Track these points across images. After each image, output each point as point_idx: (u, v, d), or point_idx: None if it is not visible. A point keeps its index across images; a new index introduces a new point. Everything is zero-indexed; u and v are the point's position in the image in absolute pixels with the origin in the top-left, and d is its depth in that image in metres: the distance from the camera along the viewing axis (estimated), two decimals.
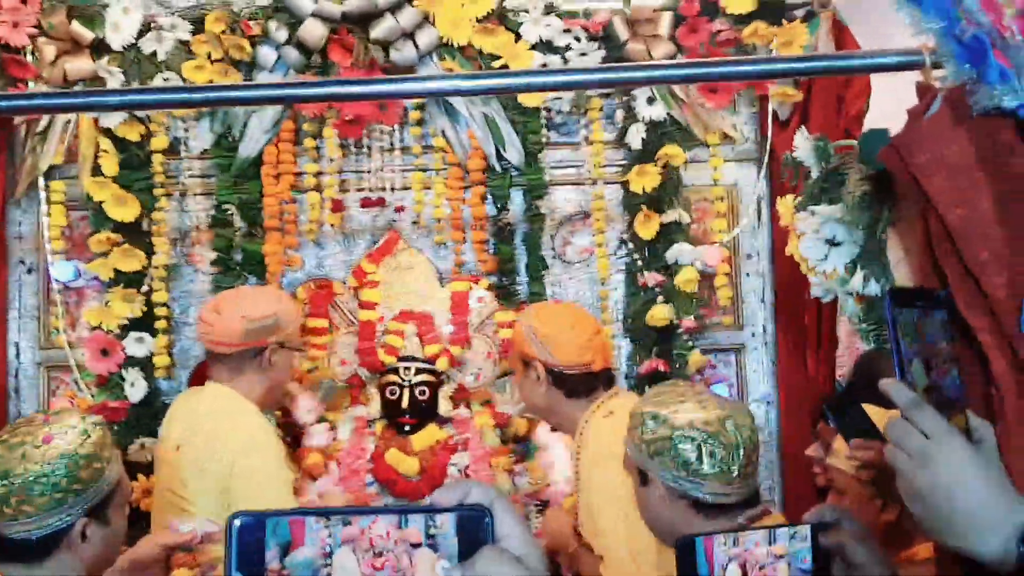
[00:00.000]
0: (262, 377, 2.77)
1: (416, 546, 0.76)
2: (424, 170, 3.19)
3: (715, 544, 1.24)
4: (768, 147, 3.13)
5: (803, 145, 1.84)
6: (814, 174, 1.83)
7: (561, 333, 2.68)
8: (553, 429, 3.06)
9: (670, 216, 3.10)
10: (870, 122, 2.59)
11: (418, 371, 3.25)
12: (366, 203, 3.21)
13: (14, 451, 1.79)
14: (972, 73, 1.33)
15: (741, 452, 1.84)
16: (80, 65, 3.04)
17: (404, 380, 3.25)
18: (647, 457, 1.87)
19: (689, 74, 2.09)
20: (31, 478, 1.77)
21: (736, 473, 1.84)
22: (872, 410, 2.04)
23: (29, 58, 3.04)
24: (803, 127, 1.90)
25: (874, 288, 1.70)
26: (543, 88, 2.59)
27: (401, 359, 3.25)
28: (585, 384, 2.66)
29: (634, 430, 1.92)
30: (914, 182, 1.26)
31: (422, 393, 3.25)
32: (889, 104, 2.14)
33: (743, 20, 3.02)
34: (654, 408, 1.91)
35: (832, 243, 1.78)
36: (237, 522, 0.72)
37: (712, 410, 1.89)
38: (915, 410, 1.08)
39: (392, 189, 3.20)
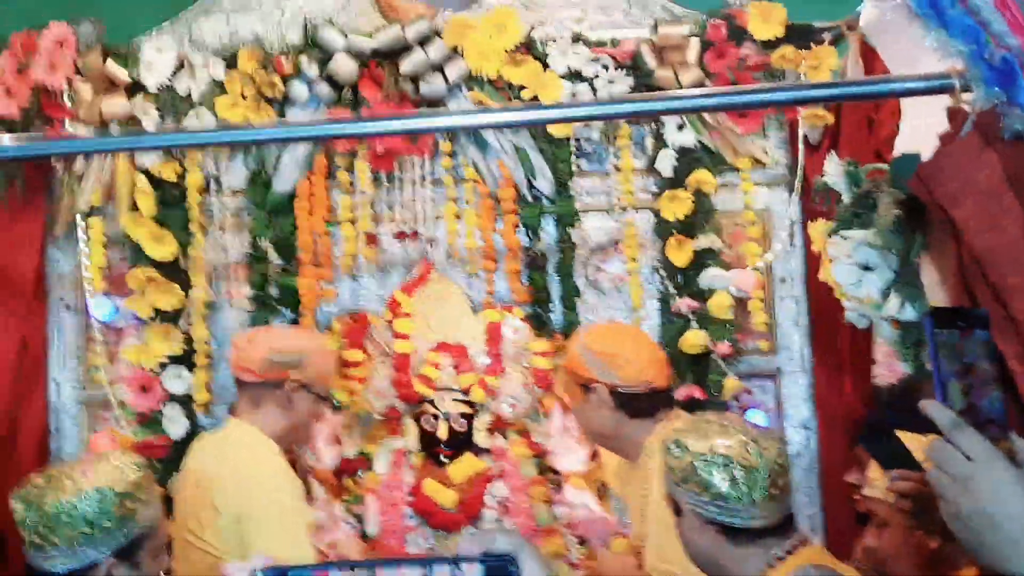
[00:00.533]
0: (282, 414, 2.76)
1: None
2: (456, 201, 3.21)
3: None
4: (799, 170, 3.12)
5: (834, 170, 1.84)
6: (845, 199, 1.83)
7: (622, 351, 2.67)
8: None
9: (702, 242, 3.09)
10: (901, 142, 2.57)
11: (454, 401, 3.26)
12: (400, 235, 3.23)
13: (53, 482, 1.81)
14: (1002, 96, 1.33)
15: (765, 475, 1.83)
16: (116, 105, 3.10)
17: (441, 411, 3.26)
18: (675, 485, 1.89)
19: (720, 103, 2.10)
20: (61, 509, 1.77)
21: (760, 496, 1.83)
22: (908, 438, 2.02)
23: (66, 99, 3.10)
24: (833, 151, 1.90)
25: (910, 313, 1.69)
26: (572, 119, 2.60)
27: (437, 390, 3.26)
28: (649, 403, 2.65)
29: (664, 461, 1.93)
30: (941, 211, 1.25)
31: (459, 424, 3.25)
32: (921, 124, 2.13)
33: (771, 45, 3.02)
34: (678, 436, 1.92)
35: (865, 268, 1.77)
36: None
37: (734, 435, 1.89)
38: (957, 432, 1.07)
39: (424, 220, 3.22)
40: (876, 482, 2.26)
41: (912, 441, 2.25)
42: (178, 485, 2.77)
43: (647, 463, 2.56)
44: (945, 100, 1.64)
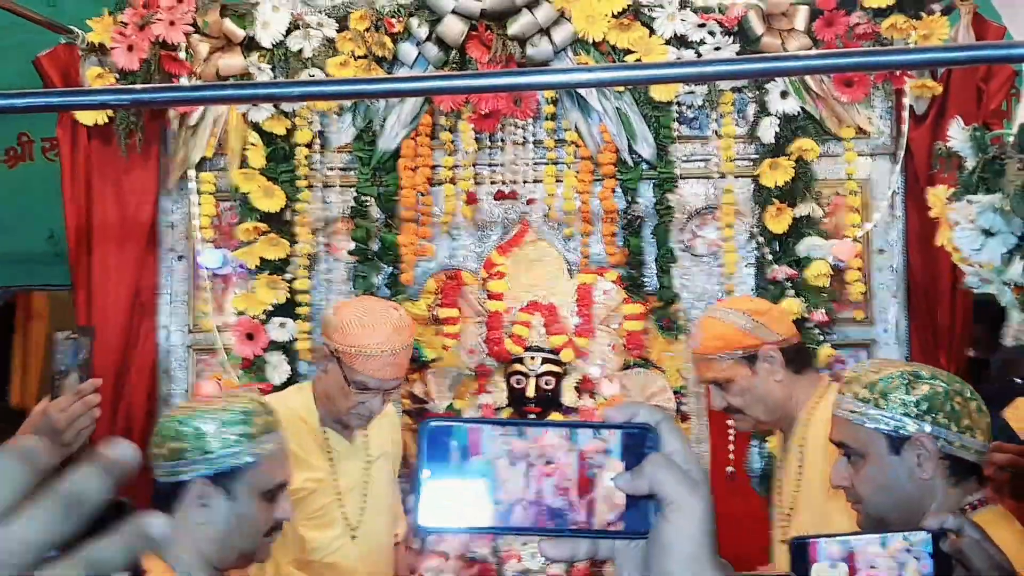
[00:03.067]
0: (320, 377, 2.76)
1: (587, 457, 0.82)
2: (556, 163, 3.25)
3: (822, 545, 1.26)
4: (904, 141, 3.10)
5: (959, 135, 1.84)
6: (970, 163, 1.84)
7: (774, 308, 2.70)
8: (766, 433, 2.99)
9: (802, 210, 3.10)
10: (1020, 111, 2.55)
11: (543, 361, 3.33)
12: (499, 196, 3.28)
13: (185, 406, 1.96)
14: None
15: (985, 409, 1.84)
16: (231, 62, 3.19)
17: (530, 370, 3.32)
18: (914, 417, 1.81)
19: (828, 64, 2.08)
20: (170, 425, 1.89)
21: (988, 430, 1.83)
22: (1013, 411, 2.03)
23: (183, 55, 3.20)
24: (956, 118, 1.90)
25: None
26: (674, 79, 2.61)
27: (527, 349, 3.33)
28: (807, 356, 2.69)
29: (883, 394, 1.84)
30: None
31: (547, 383, 3.32)
32: None
33: (882, 13, 3.01)
34: (907, 369, 1.87)
35: (988, 233, 1.78)
36: (430, 425, 0.81)
37: (943, 372, 1.88)
38: None
39: (524, 182, 3.27)
40: None
41: (1016, 412, 2.27)
42: None
43: (804, 432, 2.54)
44: None
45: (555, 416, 3.29)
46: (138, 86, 2.36)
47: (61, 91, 2.70)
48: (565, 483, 0.80)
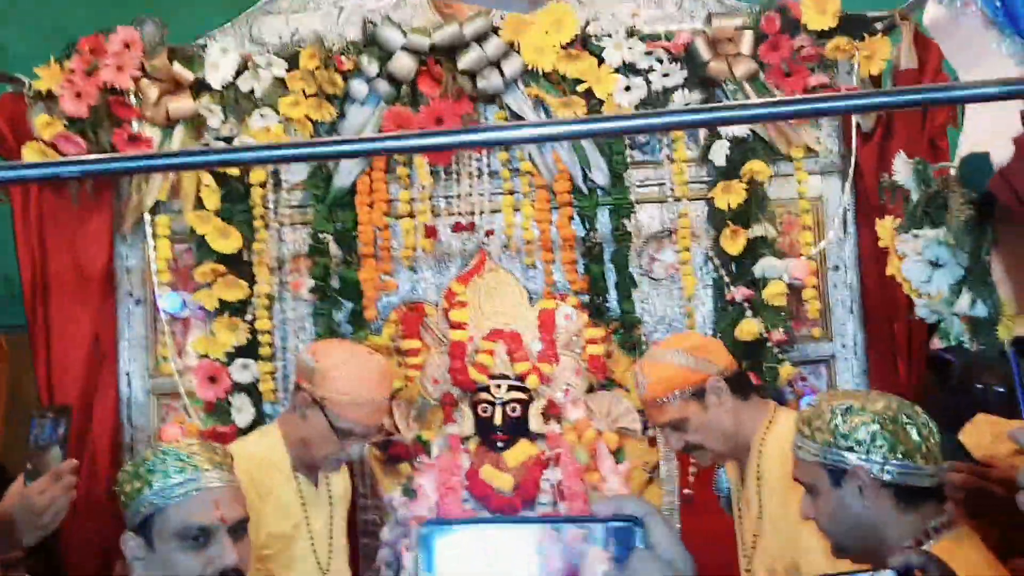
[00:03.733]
0: (295, 423, 2.70)
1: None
2: (512, 193, 3.27)
3: None
4: (853, 159, 3.15)
5: (903, 168, 1.88)
6: (914, 197, 1.87)
7: (709, 341, 2.75)
8: (716, 465, 2.95)
9: (757, 231, 3.14)
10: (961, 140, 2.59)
11: (509, 388, 3.33)
12: (458, 228, 3.29)
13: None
14: None
15: (935, 435, 1.85)
16: (181, 104, 3.18)
17: (496, 398, 3.32)
18: (846, 450, 1.83)
19: (783, 111, 2.10)
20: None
21: (937, 457, 1.84)
22: (983, 420, 2.07)
23: (133, 99, 3.18)
24: (900, 151, 1.94)
25: (981, 309, 1.73)
26: (633, 131, 2.64)
27: (492, 377, 3.33)
28: (748, 382, 2.73)
29: (820, 428, 1.88)
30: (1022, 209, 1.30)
31: (513, 410, 3.31)
32: (981, 121, 2.17)
33: (825, 35, 3.06)
34: (842, 402, 1.89)
35: (935, 265, 1.81)
36: (424, 530, 0.83)
37: (889, 397, 1.90)
38: None
39: (482, 213, 3.28)
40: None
41: (985, 425, 2.29)
42: None
43: (758, 462, 2.56)
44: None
45: (524, 442, 3.29)
46: (89, 156, 2.35)
47: (9, 165, 2.67)
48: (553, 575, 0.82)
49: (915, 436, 1.82)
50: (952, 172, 1.84)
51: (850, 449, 1.83)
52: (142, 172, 2.89)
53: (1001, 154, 1.69)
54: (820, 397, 1.99)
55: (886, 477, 1.81)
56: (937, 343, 3.12)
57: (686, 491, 3.20)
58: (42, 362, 3.25)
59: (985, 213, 1.74)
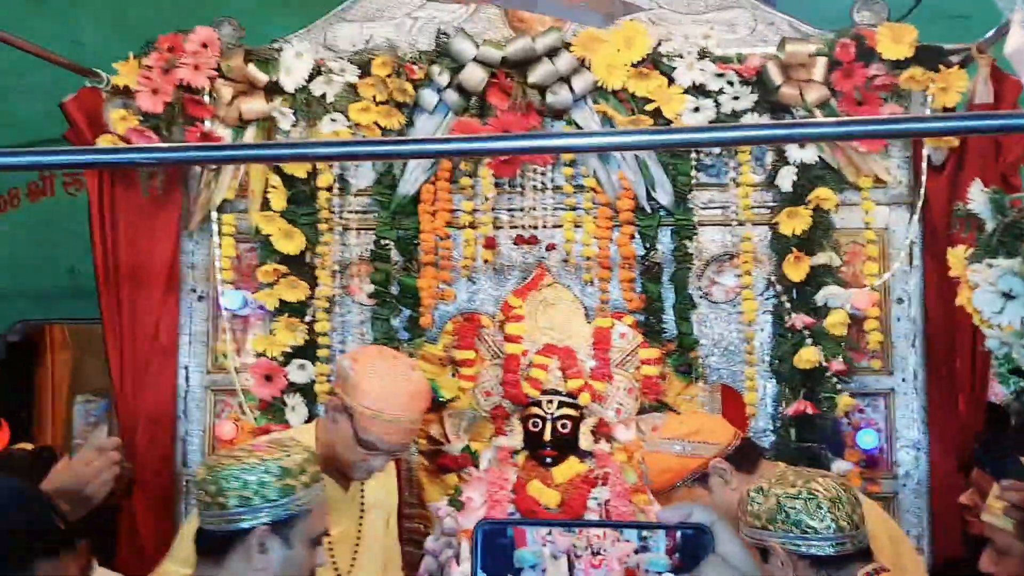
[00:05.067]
0: (326, 426, 2.70)
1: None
2: (575, 209, 3.27)
3: None
4: (922, 191, 3.11)
5: (978, 197, 1.85)
6: (989, 226, 1.85)
7: (706, 422, 2.80)
8: None
9: (820, 258, 3.10)
10: None
11: (560, 404, 3.32)
12: (519, 240, 3.30)
13: (229, 454, 2.00)
14: None
15: (844, 503, 1.97)
16: (254, 105, 3.23)
17: (547, 413, 3.31)
18: (761, 529, 1.99)
19: (851, 131, 2.09)
20: (230, 474, 1.93)
21: (846, 524, 1.95)
22: None
23: (207, 99, 3.24)
24: (976, 180, 1.91)
25: None
26: (701, 144, 2.63)
27: (544, 392, 3.32)
28: (756, 451, 2.75)
29: (744, 511, 2.05)
30: None
31: (563, 426, 3.30)
32: None
33: (899, 65, 3.02)
34: (755, 486, 2.05)
35: (1008, 296, 1.78)
36: (483, 528, 0.83)
37: (806, 476, 2.03)
38: None
39: (543, 227, 3.29)
40: (995, 507, 2.26)
41: None
42: None
43: None
44: None
45: (573, 459, 3.28)
46: (163, 144, 2.38)
47: (86, 149, 2.72)
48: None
49: (820, 511, 1.94)
50: None
51: (763, 528, 1.99)
52: (213, 163, 2.92)
53: None
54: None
55: (799, 551, 1.95)
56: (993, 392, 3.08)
57: None
58: (114, 353, 3.32)
59: None
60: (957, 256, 1.92)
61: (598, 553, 0.73)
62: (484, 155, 2.91)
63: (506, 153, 2.71)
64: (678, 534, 0.84)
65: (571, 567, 0.74)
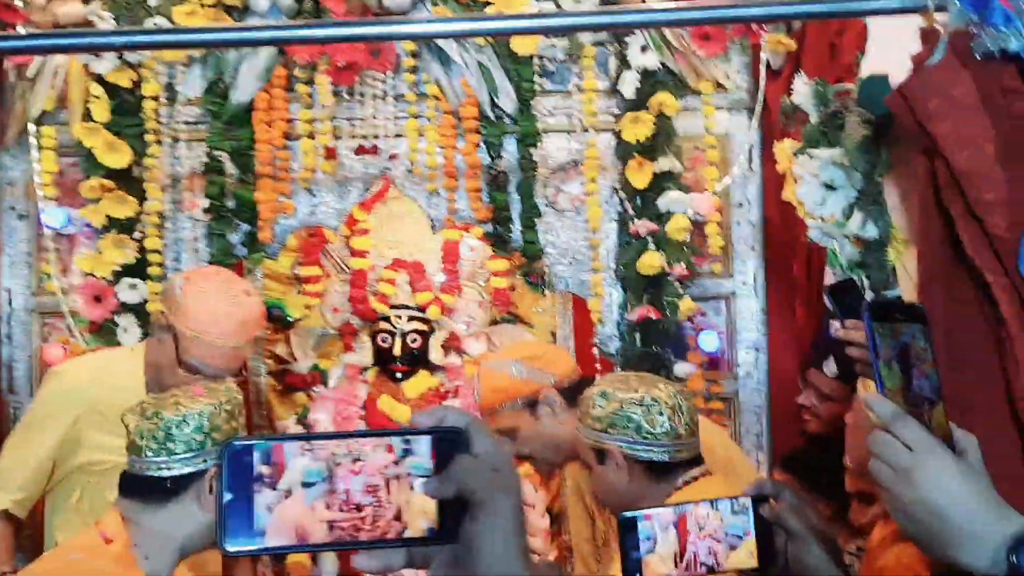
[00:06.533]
0: (153, 345, 2.66)
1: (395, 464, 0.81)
2: (417, 117, 3.19)
3: (655, 516, 1.29)
4: (761, 96, 3.14)
5: (802, 89, 1.86)
6: (813, 119, 1.86)
7: (548, 350, 2.80)
8: None
9: (663, 165, 3.11)
10: (864, 68, 2.60)
11: (410, 319, 3.27)
12: (360, 151, 3.21)
13: (168, 399, 1.95)
14: (975, 17, 1.35)
15: (683, 411, 2.00)
16: (71, 9, 3.02)
17: (396, 328, 3.27)
18: (601, 432, 2.01)
19: (684, 18, 2.09)
20: (178, 419, 1.90)
21: (683, 431, 2.00)
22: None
23: (19, 2, 3.01)
24: (801, 72, 1.92)
25: (872, 230, 1.73)
26: (537, 31, 2.58)
27: (393, 307, 3.27)
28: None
29: (585, 413, 2.06)
30: (920, 128, 1.28)
31: (413, 341, 3.27)
32: (883, 49, 2.17)
33: None
34: (600, 388, 2.06)
35: (830, 187, 1.80)
36: (230, 448, 0.77)
37: (649, 382, 2.05)
38: (898, 423, 1.07)
39: (385, 137, 3.20)
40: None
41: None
42: None
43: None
44: (911, 27, 1.67)
45: (424, 373, 3.25)
46: None
47: None
48: (373, 481, 0.79)
49: (661, 418, 1.98)
50: (852, 95, 1.83)
51: (604, 431, 2.01)
52: (27, 53, 2.73)
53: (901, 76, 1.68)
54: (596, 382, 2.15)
55: (636, 455, 1.98)
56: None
57: None
58: None
59: (881, 134, 1.73)
60: (783, 150, 1.94)
61: (358, 459, 0.71)
62: (318, 43, 2.77)
63: (344, 40, 2.60)
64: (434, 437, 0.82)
65: (330, 475, 0.72)
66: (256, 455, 0.79)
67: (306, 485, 0.79)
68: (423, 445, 0.81)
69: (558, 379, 2.59)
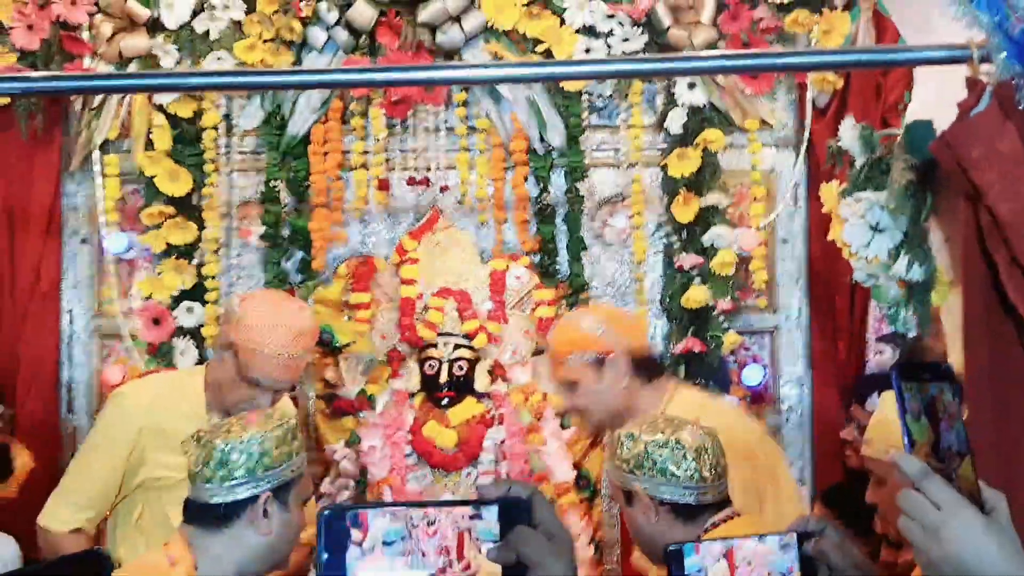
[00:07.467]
0: (214, 364, 2.73)
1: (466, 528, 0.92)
2: (468, 150, 3.26)
3: (703, 549, 1.31)
4: (806, 134, 3.18)
5: (848, 133, 1.89)
6: (859, 162, 1.89)
7: (629, 318, 2.77)
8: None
9: (708, 200, 3.16)
10: (910, 111, 2.64)
11: (456, 347, 3.32)
12: (411, 182, 3.28)
13: (221, 428, 2.02)
14: (1021, 68, 1.39)
15: (708, 454, 2.01)
16: (135, 43, 3.13)
17: (442, 355, 3.32)
18: (628, 474, 2.04)
19: (733, 65, 2.14)
20: (230, 447, 1.97)
21: (708, 474, 2.01)
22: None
23: (85, 35, 3.13)
24: (849, 116, 1.96)
25: (917, 273, 1.76)
26: (589, 76, 2.64)
27: (440, 335, 3.33)
28: (657, 367, 2.73)
29: (613, 453, 2.09)
30: (964, 175, 1.32)
31: (460, 368, 3.31)
32: (928, 93, 2.20)
33: (785, 8, 3.07)
34: (627, 430, 2.08)
35: (875, 229, 1.83)
36: (325, 514, 0.91)
37: (676, 425, 2.07)
38: (926, 481, 1.09)
39: (436, 168, 3.28)
40: (873, 440, 2.34)
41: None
42: None
43: None
44: (956, 71, 1.71)
45: (469, 400, 3.30)
46: (34, 74, 2.29)
47: None
48: (446, 543, 0.88)
49: (686, 461, 1.99)
50: (898, 139, 1.86)
51: (631, 472, 2.03)
52: (91, 92, 2.83)
53: (946, 122, 1.72)
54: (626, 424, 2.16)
55: (661, 497, 2.00)
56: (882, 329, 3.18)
57: None
58: None
59: (926, 179, 1.76)
60: (830, 191, 1.97)
61: (433, 523, 0.78)
62: (378, 87, 2.86)
63: (398, 85, 2.69)
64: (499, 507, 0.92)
65: (408, 535, 0.78)
66: (347, 518, 0.90)
67: (386, 544, 0.88)
68: (491, 513, 0.91)
69: (631, 347, 2.63)
